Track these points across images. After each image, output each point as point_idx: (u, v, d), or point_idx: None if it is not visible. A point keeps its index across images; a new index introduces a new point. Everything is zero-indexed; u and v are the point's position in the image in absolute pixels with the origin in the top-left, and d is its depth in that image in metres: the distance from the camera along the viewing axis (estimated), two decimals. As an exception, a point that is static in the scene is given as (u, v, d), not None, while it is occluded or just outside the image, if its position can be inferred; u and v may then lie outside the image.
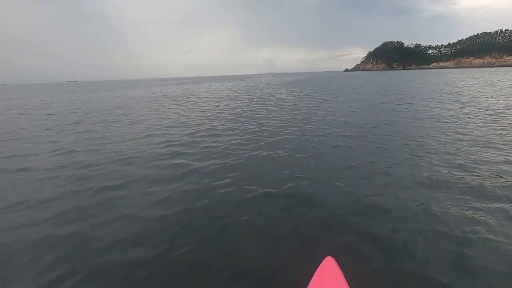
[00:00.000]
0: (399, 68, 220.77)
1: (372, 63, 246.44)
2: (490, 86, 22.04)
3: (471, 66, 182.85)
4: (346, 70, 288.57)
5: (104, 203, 3.88)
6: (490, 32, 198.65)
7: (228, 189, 4.16)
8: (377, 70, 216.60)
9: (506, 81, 27.41)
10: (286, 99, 18.25)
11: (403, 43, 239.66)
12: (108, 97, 26.78)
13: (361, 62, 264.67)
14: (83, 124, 10.83)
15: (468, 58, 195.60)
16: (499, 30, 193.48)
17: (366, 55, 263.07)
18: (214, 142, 7.18)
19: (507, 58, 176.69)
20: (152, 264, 2.61)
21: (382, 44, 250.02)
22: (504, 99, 13.88)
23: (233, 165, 5.28)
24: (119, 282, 2.43)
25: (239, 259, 2.64)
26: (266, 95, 21.69)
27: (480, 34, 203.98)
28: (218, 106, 15.68)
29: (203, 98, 21.68)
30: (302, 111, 12.21)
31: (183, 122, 10.34)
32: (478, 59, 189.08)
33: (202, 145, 6.87)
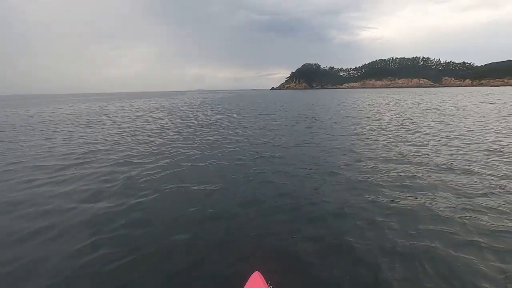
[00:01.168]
0: (318, 87, 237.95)
1: (295, 82, 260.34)
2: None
3: (373, 86, 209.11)
4: (273, 88, 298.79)
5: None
6: (385, 59, 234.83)
7: (152, 211, 4.10)
8: (299, 89, 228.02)
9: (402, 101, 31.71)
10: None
11: (320, 65, 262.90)
12: None
13: (286, 81, 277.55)
14: None
15: (371, 80, 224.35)
16: (391, 58, 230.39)
17: (289, 75, 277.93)
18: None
19: (398, 80, 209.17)
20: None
21: (302, 65, 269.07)
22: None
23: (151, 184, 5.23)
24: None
25: (167, 278, 2.63)
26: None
27: (378, 60, 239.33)
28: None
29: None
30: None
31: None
32: (378, 81, 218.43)
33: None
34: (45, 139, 10.52)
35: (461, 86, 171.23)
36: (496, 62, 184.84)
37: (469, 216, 3.70)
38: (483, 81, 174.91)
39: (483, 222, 3.54)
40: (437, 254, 2.92)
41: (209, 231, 3.44)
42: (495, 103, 24.22)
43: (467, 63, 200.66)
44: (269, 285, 2.17)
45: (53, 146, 9.12)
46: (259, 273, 2.28)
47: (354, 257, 2.86)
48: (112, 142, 9.63)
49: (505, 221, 3.57)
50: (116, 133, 11.54)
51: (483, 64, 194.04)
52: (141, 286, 2.57)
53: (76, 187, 5.13)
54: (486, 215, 3.73)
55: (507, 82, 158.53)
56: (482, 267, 2.70)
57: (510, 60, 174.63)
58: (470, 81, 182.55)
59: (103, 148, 8.62)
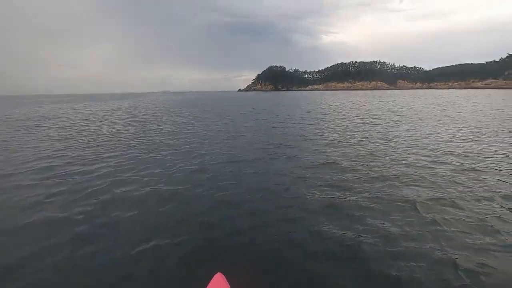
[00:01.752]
0: (283, 89, 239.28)
1: (261, 84, 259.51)
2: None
3: (335, 88, 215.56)
4: (240, 90, 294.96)
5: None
6: (346, 62, 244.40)
7: (110, 215, 3.99)
8: (266, 91, 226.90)
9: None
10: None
11: (285, 68, 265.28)
12: None
13: (252, 83, 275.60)
14: None
15: (333, 82, 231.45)
16: (351, 61, 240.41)
17: (256, 77, 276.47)
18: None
19: (358, 83, 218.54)
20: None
21: (268, 67, 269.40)
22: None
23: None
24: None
25: (129, 280, 2.62)
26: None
27: (339, 63, 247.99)
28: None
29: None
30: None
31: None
32: (340, 83, 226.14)
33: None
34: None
35: (413, 88, 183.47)
36: (442, 67, 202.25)
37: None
38: (431, 84, 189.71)
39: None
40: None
41: (169, 234, 3.40)
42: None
43: (418, 67, 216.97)
44: (231, 287, 2.20)
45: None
46: (221, 274, 2.32)
47: (320, 257, 2.94)
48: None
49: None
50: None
51: (431, 69, 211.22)
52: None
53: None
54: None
55: (451, 85, 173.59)
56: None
57: (453, 65, 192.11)
58: (420, 84, 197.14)
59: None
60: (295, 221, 3.76)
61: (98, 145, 9.13)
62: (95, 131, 12.43)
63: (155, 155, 7.76)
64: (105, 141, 9.93)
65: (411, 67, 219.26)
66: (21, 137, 10.98)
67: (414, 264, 2.81)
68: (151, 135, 11.21)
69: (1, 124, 15.78)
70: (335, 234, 3.38)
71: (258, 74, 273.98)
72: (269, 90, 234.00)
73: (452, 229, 3.47)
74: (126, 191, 4.93)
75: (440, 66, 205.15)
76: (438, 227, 3.52)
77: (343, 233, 3.40)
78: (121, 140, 10.01)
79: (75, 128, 13.85)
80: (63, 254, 3.06)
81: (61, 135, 11.52)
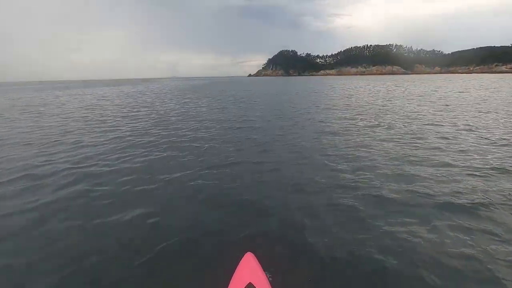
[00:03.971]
0: (294, 74, 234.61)
1: (272, 69, 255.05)
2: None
3: (349, 74, 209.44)
4: (250, 75, 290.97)
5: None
6: (360, 46, 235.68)
7: (146, 194, 4.14)
8: (276, 76, 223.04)
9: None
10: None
11: (297, 52, 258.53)
12: None
13: (263, 68, 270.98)
14: None
15: (346, 67, 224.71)
16: (366, 45, 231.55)
17: (266, 62, 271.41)
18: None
19: (373, 68, 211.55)
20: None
21: (279, 52, 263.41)
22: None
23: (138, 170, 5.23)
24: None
25: (163, 257, 2.69)
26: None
27: (353, 47, 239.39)
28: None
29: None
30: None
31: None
32: (353, 68, 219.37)
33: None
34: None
35: (431, 73, 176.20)
36: (462, 50, 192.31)
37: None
38: (451, 69, 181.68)
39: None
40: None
41: (201, 215, 3.50)
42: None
43: (437, 51, 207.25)
44: (261, 266, 2.24)
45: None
46: (251, 253, 2.37)
47: (347, 242, 2.89)
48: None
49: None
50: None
51: (450, 53, 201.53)
52: (135, 269, 2.55)
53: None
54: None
55: (472, 70, 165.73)
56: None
57: (473, 49, 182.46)
58: (439, 69, 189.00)
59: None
60: (326, 204, 3.73)
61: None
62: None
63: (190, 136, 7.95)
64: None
65: (429, 51, 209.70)
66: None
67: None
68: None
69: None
70: (369, 217, 3.33)
71: (269, 58, 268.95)
72: (279, 76, 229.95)
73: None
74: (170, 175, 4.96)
75: (460, 50, 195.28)
76: None
77: (377, 220, 3.28)
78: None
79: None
80: (132, 225, 3.33)
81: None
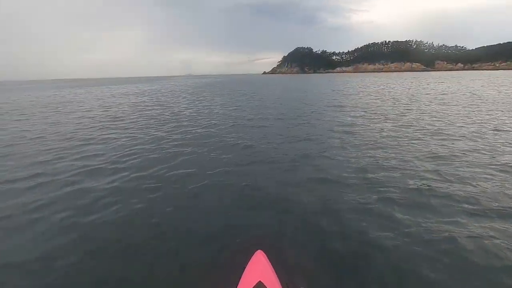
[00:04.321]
0: (310, 71, 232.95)
1: (287, 66, 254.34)
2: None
3: (366, 71, 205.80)
4: (264, 73, 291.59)
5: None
6: (378, 42, 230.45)
7: (156, 193, 4.14)
8: (292, 74, 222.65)
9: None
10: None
11: (312, 49, 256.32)
12: None
13: (277, 65, 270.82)
14: None
15: (363, 64, 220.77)
16: (384, 41, 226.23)
17: (281, 59, 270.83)
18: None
19: (391, 64, 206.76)
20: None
21: (294, 49, 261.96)
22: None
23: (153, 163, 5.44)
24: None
25: (174, 254, 2.75)
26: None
27: (371, 44, 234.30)
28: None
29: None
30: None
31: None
32: (371, 65, 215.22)
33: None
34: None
35: (453, 70, 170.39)
36: (487, 45, 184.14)
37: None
38: (474, 65, 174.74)
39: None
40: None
41: (213, 213, 3.53)
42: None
43: (460, 46, 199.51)
44: (271, 264, 2.25)
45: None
46: (262, 251, 2.38)
47: (360, 241, 2.87)
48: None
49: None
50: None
51: (474, 48, 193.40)
52: (147, 266, 2.58)
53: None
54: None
55: (498, 66, 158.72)
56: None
57: (500, 44, 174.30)
58: (462, 65, 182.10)
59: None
60: (338, 201, 3.77)
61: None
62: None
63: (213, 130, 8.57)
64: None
65: (452, 46, 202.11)
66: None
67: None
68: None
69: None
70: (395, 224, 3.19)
71: (284, 56, 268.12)
72: (294, 73, 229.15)
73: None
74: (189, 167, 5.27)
75: (486, 45, 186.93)
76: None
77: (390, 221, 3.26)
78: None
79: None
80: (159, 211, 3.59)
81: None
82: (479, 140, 6.75)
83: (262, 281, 1.94)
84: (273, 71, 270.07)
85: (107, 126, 9.82)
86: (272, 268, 2.18)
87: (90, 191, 4.26)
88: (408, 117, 10.37)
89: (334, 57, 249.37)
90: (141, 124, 10.18)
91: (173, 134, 8.29)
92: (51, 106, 16.97)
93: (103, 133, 8.67)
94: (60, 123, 10.71)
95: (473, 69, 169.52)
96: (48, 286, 2.43)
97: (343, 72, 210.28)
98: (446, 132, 7.67)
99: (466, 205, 3.55)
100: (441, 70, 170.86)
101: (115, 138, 7.89)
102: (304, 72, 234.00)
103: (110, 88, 41.88)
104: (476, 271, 2.45)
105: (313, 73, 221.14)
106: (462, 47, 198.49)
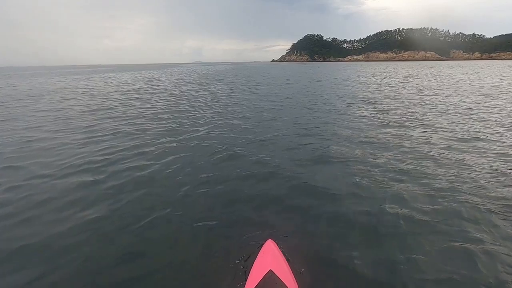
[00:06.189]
0: (319, 60, 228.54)
1: (296, 54, 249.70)
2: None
3: (377, 59, 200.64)
4: (273, 60, 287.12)
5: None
6: (391, 30, 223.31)
7: (168, 180, 4.13)
8: (301, 62, 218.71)
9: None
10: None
11: (323, 37, 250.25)
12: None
13: (286, 53, 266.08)
14: None
15: (375, 52, 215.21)
16: (398, 29, 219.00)
17: (290, 47, 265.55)
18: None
19: (404, 53, 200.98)
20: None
21: (304, 36, 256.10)
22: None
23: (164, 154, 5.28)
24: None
25: (185, 246, 2.71)
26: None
27: (383, 31, 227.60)
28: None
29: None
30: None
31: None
32: (383, 54, 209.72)
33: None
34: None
35: (470, 59, 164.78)
36: (507, 34, 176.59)
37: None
38: (492, 55, 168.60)
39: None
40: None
41: (224, 203, 3.49)
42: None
43: (478, 34, 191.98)
44: (282, 252, 2.27)
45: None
46: (272, 240, 2.39)
47: (371, 233, 2.84)
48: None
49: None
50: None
51: (493, 36, 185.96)
52: (158, 256, 2.58)
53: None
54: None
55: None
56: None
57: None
58: (479, 55, 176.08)
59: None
60: (357, 196, 3.56)
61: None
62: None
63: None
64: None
65: (469, 35, 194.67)
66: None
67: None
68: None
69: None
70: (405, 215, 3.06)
71: (294, 43, 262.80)
72: (303, 61, 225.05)
73: None
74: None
75: (504, 34, 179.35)
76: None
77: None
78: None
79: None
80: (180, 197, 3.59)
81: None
82: None
83: (273, 269, 1.96)
84: (281, 59, 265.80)
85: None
86: (283, 257, 2.21)
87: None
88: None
89: (345, 45, 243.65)
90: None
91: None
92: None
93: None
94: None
95: (491, 58, 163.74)
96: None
97: (354, 61, 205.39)
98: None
99: None
100: (457, 59, 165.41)
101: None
102: (313, 60, 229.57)
103: (152, 72, 42.05)
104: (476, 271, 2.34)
105: (323, 61, 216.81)
106: (480, 35, 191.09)
